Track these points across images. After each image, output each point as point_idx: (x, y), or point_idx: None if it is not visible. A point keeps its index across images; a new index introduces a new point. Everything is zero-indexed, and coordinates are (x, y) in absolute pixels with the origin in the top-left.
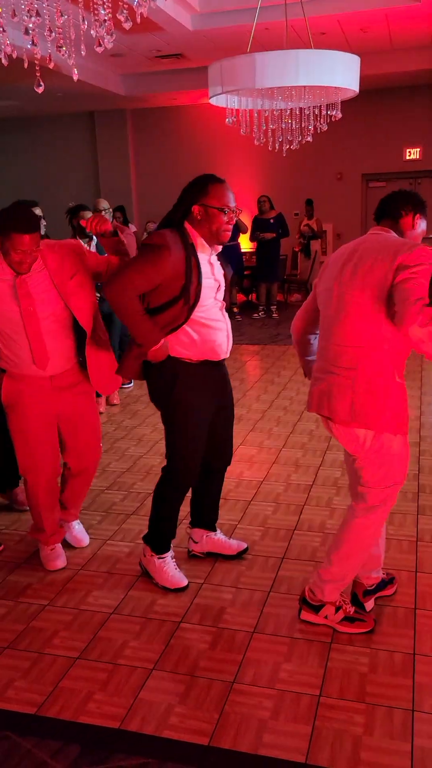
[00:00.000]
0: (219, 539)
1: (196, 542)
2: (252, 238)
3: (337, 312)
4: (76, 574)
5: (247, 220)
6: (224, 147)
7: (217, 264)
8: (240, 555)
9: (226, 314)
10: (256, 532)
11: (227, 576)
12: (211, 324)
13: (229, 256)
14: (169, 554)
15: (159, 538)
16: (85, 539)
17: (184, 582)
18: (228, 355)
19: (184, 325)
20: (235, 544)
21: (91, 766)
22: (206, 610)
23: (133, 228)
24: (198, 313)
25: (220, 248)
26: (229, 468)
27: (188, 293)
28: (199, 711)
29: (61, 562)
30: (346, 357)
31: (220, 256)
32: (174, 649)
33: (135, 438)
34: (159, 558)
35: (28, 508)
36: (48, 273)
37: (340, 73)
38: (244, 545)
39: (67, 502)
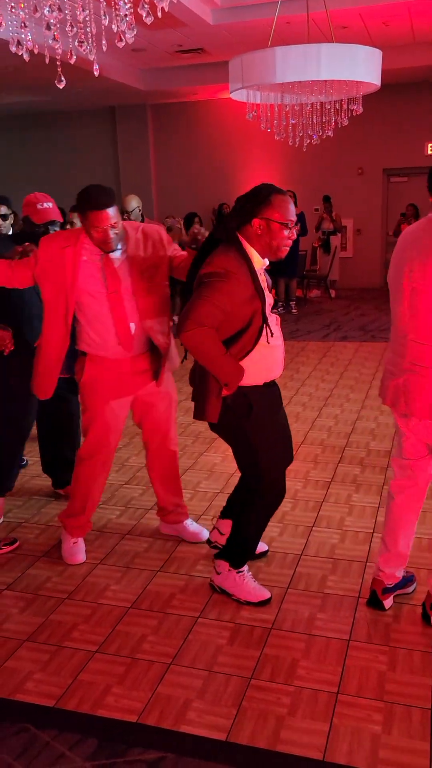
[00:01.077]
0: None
1: (222, 534)
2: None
3: (411, 308)
4: (95, 568)
5: None
6: (244, 142)
7: (267, 277)
8: (262, 555)
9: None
10: (274, 529)
11: None
12: (274, 343)
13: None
14: (246, 568)
15: (242, 554)
16: (203, 533)
17: (268, 594)
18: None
19: (252, 350)
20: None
21: (108, 759)
22: (224, 606)
23: (147, 220)
24: (265, 335)
25: (267, 262)
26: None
27: (257, 318)
28: (217, 706)
29: (81, 557)
30: (424, 354)
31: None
32: (192, 644)
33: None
34: (238, 572)
35: None
36: (130, 255)
37: (361, 67)
38: (265, 548)
39: (167, 495)
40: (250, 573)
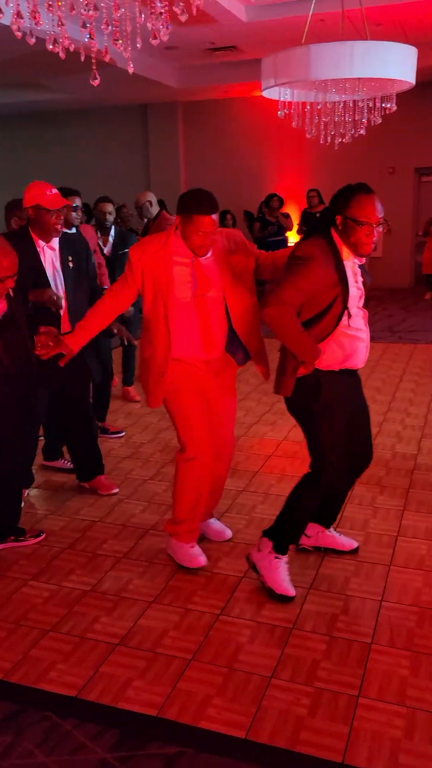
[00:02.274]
0: (332, 535)
1: (308, 536)
2: (300, 232)
3: None
4: (118, 562)
5: (295, 214)
6: (275, 140)
7: (359, 272)
8: (353, 552)
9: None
10: None
11: None
12: (355, 333)
13: (275, 250)
14: (285, 558)
15: (285, 538)
16: (226, 531)
17: (293, 592)
18: (364, 365)
19: (331, 335)
20: (347, 542)
21: (129, 751)
22: (246, 604)
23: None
24: (344, 322)
25: (364, 259)
26: (271, 463)
27: (337, 303)
28: (237, 704)
29: (203, 559)
30: None
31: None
32: (213, 641)
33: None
34: (277, 557)
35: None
36: (217, 260)
37: (396, 64)
38: (355, 544)
39: (211, 492)
40: (288, 565)
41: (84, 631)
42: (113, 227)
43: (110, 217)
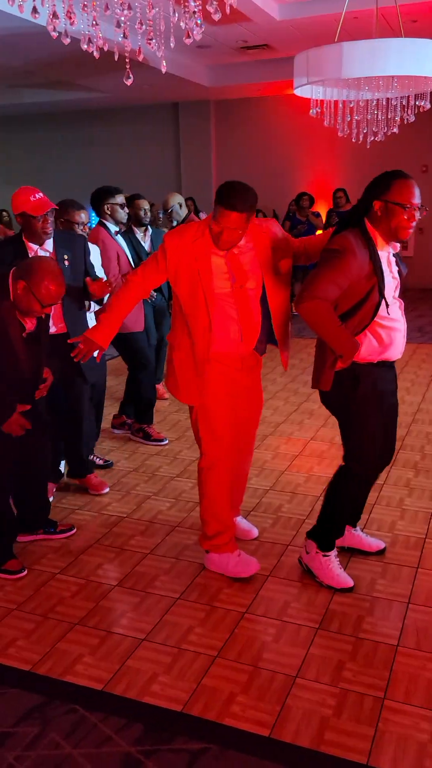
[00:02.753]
0: (359, 535)
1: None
2: (327, 228)
3: None
4: (145, 558)
5: (325, 213)
6: (306, 138)
7: (393, 261)
8: (380, 553)
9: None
10: None
11: (293, 571)
12: (392, 324)
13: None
14: (334, 553)
15: (328, 535)
16: (253, 530)
17: (351, 582)
18: (401, 356)
19: (368, 326)
20: (374, 542)
21: (153, 745)
22: (270, 603)
23: (203, 216)
24: (381, 313)
25: (398, 246)
26: (298, 462)
27: (374, 294)
28: (261, 702)
29: (255, 564)
30: None
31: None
32: (238, 638)
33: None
34: (324, 555)
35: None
36: (255, 252)
37: (430, 62)
38: (383, 544)
39: (233, 490)
40: (338, 559)
41: (110, 626)
42: (149, 226)
43: (148, 214)
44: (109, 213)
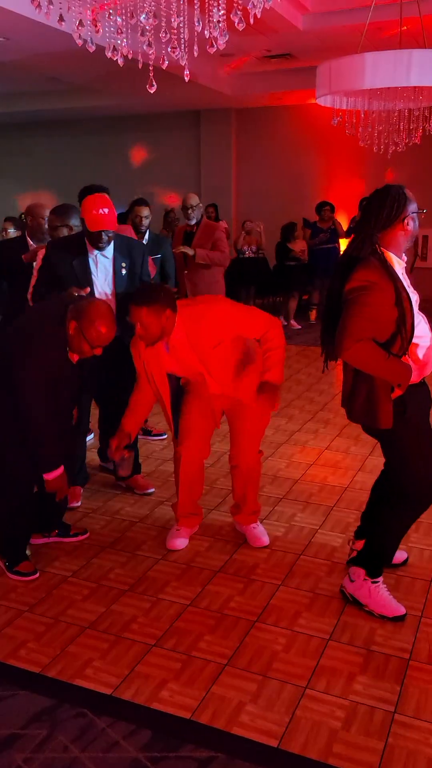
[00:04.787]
0: None
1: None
2: (347, 235)
3: None
4: (156, 563)
5: (346, 222)
6: (327, 148)
7: (406, 276)
8: (396, 566)
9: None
10: (337, 539)
11: (305, 581)
12: (422, 342)
13: (328, 258)
14: (381, 579)
15: (379, 561)
16: (265, 538)
17: (403, 610)
18: None
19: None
20: (397, 554)
21: (161, 752)
22: (281, 612)
23: (223, 224)
24: (416, 333)
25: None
26: (312, 472)
27: (407, 315)
28: (270, 712)
29: (181, 543)
30: None
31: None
32: (248, 647)
33: (221, 434)
34: (373, 582)
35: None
36: (189, 341)
37: None
38: (405, 555)
39: (239, 502)
40: (386, 585)
41: (121, 630)
42: (147, 231)
43: (146, 221)
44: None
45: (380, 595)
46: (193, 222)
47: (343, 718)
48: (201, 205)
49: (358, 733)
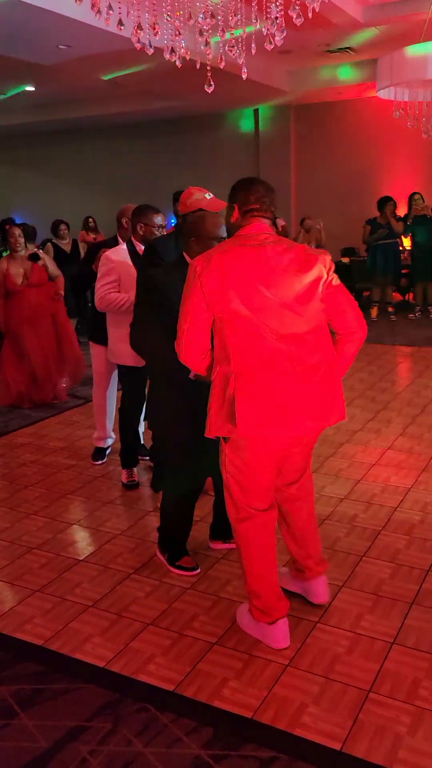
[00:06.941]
0: None
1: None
2: (405, 234)
3: None
4: (217, 562)
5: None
6: (388, 141)
7: None
8: None
9: None
10: (401, 540)
11: (368, 582)
12: None
13: (386, 253)
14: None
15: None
16: (324, 597)
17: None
18: None
19: None
20: None
21: (223, 750)
22: (343, 614)
23: (281, 222)
24: None
25: None
26: (374, 472)
27: None
28: (333, 714)
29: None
30: None
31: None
32: (310, 648)
33: None
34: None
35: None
36: None
37: None
38: None
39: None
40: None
41: (183, 628)
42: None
43: (160, 231)
44: (141, 233)
45: None
46: None
47: (409, 724)
48: None
49: (424, 740)
